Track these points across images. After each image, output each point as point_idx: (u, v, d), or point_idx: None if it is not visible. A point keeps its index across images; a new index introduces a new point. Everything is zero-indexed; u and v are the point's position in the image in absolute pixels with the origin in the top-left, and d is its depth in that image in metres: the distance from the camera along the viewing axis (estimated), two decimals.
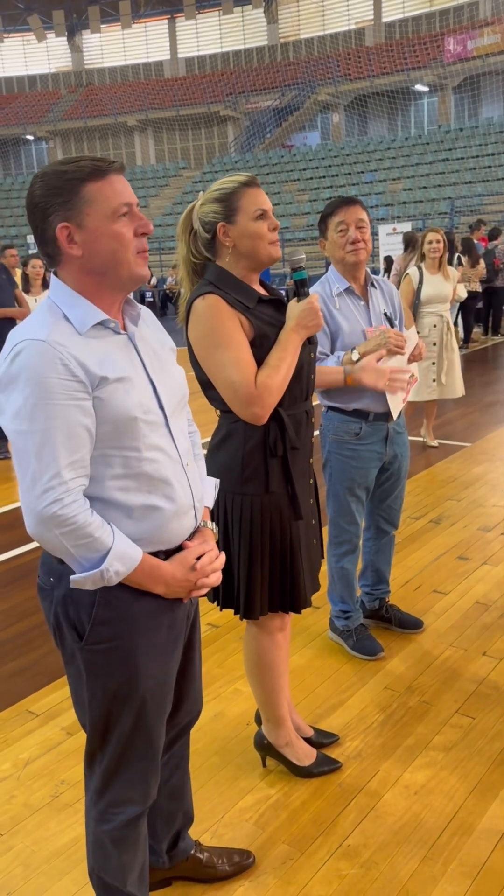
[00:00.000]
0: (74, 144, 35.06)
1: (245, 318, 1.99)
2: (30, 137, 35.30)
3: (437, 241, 5.55)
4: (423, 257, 5.67)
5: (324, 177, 26.29)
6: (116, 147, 34.56)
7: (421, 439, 6.07)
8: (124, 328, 1.53)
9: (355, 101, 30.22)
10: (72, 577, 1.44)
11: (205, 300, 1.97)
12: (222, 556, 1.65)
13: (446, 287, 5.62)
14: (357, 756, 2.45)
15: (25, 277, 7.16)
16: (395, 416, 2.86)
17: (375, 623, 3.24)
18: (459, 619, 3.28)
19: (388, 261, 13.31)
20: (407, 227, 15.78)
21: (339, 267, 2.80)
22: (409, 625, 3.20)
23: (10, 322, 6.39)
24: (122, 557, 1.44)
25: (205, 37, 34.49)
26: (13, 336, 1.42)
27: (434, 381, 5.69)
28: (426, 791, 2.28)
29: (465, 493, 4.89)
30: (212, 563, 1.61)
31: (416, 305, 5.58)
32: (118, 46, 36.03)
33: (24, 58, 37.29)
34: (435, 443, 5.98)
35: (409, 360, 2.83)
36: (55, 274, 1.49)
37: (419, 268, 5.63)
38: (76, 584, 1.44)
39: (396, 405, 2.86)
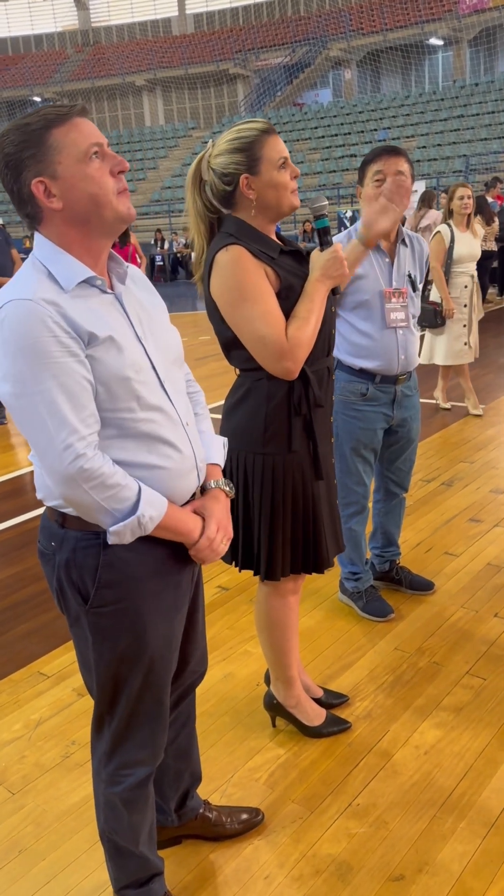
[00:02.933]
0: None
1: (271, 270, 1.93)
2: (37, 99, 34.73)
3: (469, 197, 5.32)
4: (450, 214, 5.44)
5: (336, 135, 25.76)
6: (125, 108, 33.99)
7: (433, 402, 6.00)
8: (111, 287, 1.49)
9: (368, 56, 29.47)
10: (110, 528, 1.41)
11: (228, 252, 1.90)
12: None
13: (476, 245, 5.41)
14: (367, 716, 2.45)
15: None
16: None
17: (386, 585, 3.23)
18: (471, 580, 3.26)
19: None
20: (421, 185, 15.47)
21: None
22: (420, 586, 3.18)
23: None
24: (153, 502, 1.43)
25: None
26: (0, 297, 1.37)
27: (466, 343, 5.50)
28: (436, 751, 2.28)
29: (477, 455, 4.84)
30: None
31: (447, 265, 5.39)
32: (125, 3, 35.23)
33: (30, 17, 36.57)
34: (448, 405, 5.90)
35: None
36: (37, 232, 1.44)
37: (449, 225, 5.42)
38: (115, 538, 1.42)
39: None
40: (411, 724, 2.39)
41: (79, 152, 1.36)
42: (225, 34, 32.48)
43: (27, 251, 15.86)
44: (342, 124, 26.26)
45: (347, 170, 22.94)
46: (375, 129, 25.06)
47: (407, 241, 2.79)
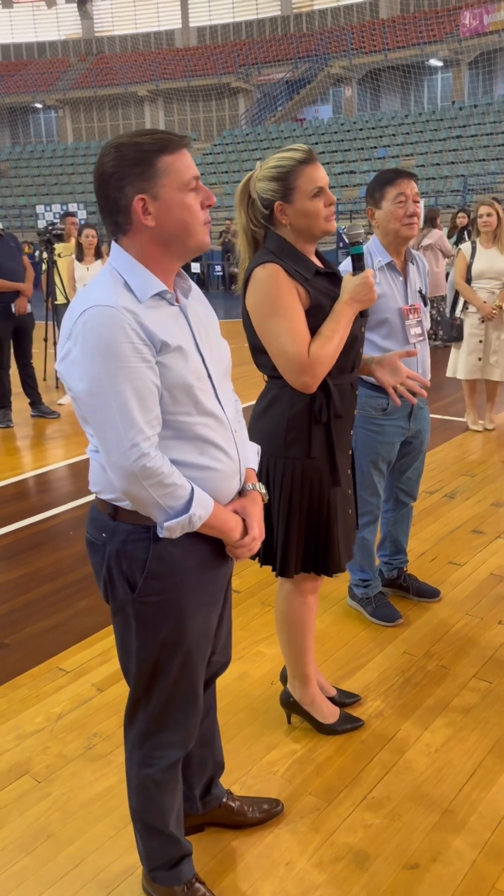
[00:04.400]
0: (84, 114, 34.71)
1: (303, 288, 2.05)
2: (38, 106, 34.94)
3: (489, 214, 5.42)
4: (478, 232, 5.57)
5: (335, 151, 26.04)
6: (126, 117, 34.22)
7: (439, 416, 6.11)
8: (177, 300, 1.59)
9: (368, 74, 29.83)
10: (165, 523, 1.51)
11: (265, 269, 2.03)
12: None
13: (499, 261, 5.46)
14: (378, 715, 2.54)
15: (79, 246, 7.21)
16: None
17: (393, 592, 3.33)
18: (475, 589, 3.37)
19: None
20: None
21: (387, 239, 2.82)
22: (427, 594, 3.28)
23: (15, 292, 6.39)
24: (202, 503, 1.54)
25: (217, 6, 33.99)
26: (81, 301, 1.48)
27: (479, 359, 5.59)
28: (446, 749, 2.37)
29: (479, 468, 4.96)
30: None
31: (468, 281, 5.53)
32: (129, 14, 35.53)
33: (34, 24, 36.79)
34: (491, 425, 5.86)
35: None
36: (116, 241, 1.54)
37: (473, 242, 5.55)
38: (167, 532, 1.52)
39: None
40: (422, 723, 2.49)
41: (181, 182, 1.48)
42: (228, 48, 32.80)
43: (28, 256, 15.94)
44: (342, 141, 26.55)
45: (346, 186, 23.19)
46: (375, 147, 25.36)
47: (413, 259, 2.93)
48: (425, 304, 2.92)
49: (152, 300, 1.51)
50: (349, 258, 2.24)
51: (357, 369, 2.25)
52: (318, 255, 2.20)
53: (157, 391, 1.48)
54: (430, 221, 8.66)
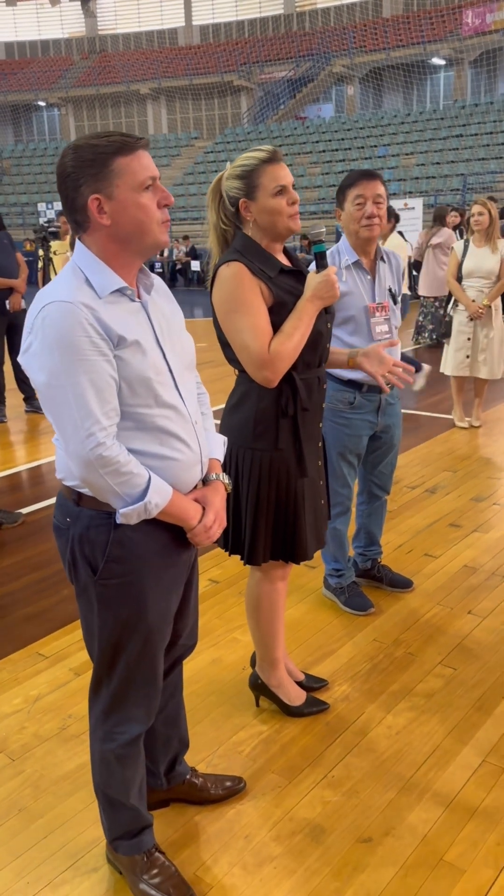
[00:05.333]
0: (86, 112, 34.79)
1: (266, 286, 2.13)
2: (41, 104, 35.03)
3: (480, 214, 5.48)
4: (472, 230, 5.65)
5: (337, 150, 26.08)
6: (129, 115, 34.28)
7: (425, 413, 6.18)
8: (139, 296, 1.67)
9: (370, 73, 29.86)
10: (120, 510, 1.59)
11: (229, 267, 2.11)
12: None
13: (489, 260, 5.52)
14: (344, 699, 2.62)
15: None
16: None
17: (368, 582, 3.41)
18: (448, 580, 3.45)
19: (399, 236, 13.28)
20: (418, 202, 15.76)
21: (352, 239, 2.89)
22: (400, 584, 3.36)
23: (9, 289, 6.47)
24: (159, 491, 1.62)
25: (220, 4, 34.04)
26: (41, 297, 1.56)
27: (467, 356, 5.68)
28: (407, 732, 2.45)
29: (461, 464, 5.03)
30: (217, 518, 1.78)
31: (459, 279, 5.61)
32: (132, 12, 35.60)
33: (38, 22, 36.87)
34: (478, 422, 5.94)
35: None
36: (79, 239, 1.63)
37: (467, 241, 5.64)
38: (123, 519, 1.60)
39: None
40: (385, 707, 2.57)
41: (136, 182, 1.56)
42: (230, 46, 32.85)
43: (28, 254, 16.05)
44: (343, 139, 26.59)
45: None
46: (375, 146, 25.39)
47: (385, 258, 2.99)
48: (395, 303, 3.00)
49: (112, 296, 1.59)
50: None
51: (324, 364, 2.32)
52: (286, 253, 2.28)
53: (115, 384, 1.56)
54: (440, 220, 8.68)
